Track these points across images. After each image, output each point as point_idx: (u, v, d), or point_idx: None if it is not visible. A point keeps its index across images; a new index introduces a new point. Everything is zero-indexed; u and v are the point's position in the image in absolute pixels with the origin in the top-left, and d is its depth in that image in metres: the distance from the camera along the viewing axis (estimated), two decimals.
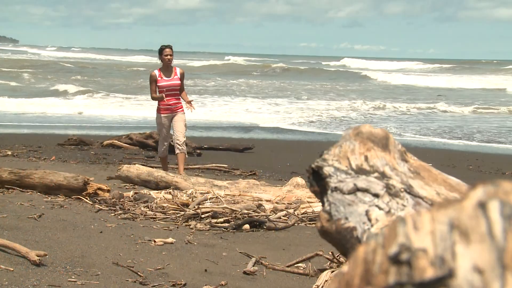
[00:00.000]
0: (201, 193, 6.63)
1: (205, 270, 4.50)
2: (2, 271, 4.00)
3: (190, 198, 6.46)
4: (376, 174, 1.46)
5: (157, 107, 8.57)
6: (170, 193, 6.58)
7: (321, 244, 4.87)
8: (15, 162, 8.93)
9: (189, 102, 8.39)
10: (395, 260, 0.73)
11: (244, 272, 4.51)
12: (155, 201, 6.35)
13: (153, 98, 8.55)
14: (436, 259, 0.70)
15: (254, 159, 10.66)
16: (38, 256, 4.16)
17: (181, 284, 4.15)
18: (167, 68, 8.49)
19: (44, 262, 4.20)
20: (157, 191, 6.73)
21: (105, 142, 11.39)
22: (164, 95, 8.33)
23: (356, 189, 1.43)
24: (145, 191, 6.78)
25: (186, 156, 8.55)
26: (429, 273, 0.70)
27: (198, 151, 11.15)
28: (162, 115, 8.44)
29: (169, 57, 8.46)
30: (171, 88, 8.41)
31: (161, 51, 8.56)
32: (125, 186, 7.45)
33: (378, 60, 78.79)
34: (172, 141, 8.58)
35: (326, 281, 3.52)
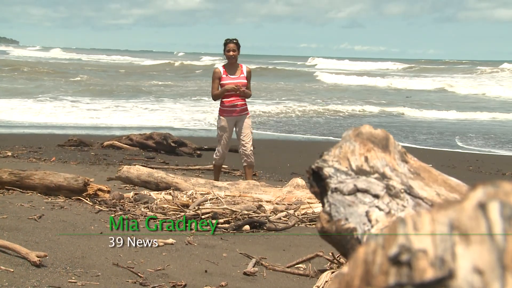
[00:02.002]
0: (201, 194, 6.63)
1: (205, 271, 4.50)
2: (2, 272, 4.00)
3: (190, 199, 6.46)
4: (376, 175, 1.46)
5: (220, 108, 7.66)
6: (170, 194, 6.58)
7: (322, 245, 4.87)
8: (15, 163, 8.93)
9: (237, 85, 7.42)
10: (395, 261, 0.73)
11: (244, 273, 4.51)
12: (155, 202, 6.35)
13: (216, 96, 7.60)
14: (436, 260, 0.70)
15: (254, 160, 10.65)
16: (38, 257, 4.16)
17: (181, 285, 4.15)
18: (231, 65, 7.58)
19: (44, 263, 4.20)
20: (157, 192, 6.72)
21: (105, 143, 11.39)
22: (234, 87, 7.43)
23: (356, 190, 1.43)
24: (145, 192, 6.78)
25: (253, 166, 7.82)
26: (429, 274, 0.70)
27: (198, 152, 11.16)
28: (225, 118, 7.54)
29: (232, 53, 7.51)
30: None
31: (224, 46, 7.61)
32: (125, 187, 7.45)
33: (354, 61, 78.69)
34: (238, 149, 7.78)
35: (326, 281, 3.52)
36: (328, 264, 4.43)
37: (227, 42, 7.60)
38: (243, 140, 7.61)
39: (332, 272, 3.70)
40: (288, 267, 4.68)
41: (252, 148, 7.63)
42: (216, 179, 7.67)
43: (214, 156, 7.77)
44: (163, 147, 11.11)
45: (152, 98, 22.94)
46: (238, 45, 7.61)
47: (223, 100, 7.60)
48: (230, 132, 7.62)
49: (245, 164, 7.68)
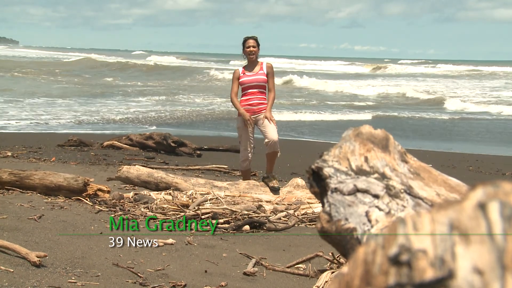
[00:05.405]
0: (201, 194, 6.63)
1: (205, 271, 4.50)
2: (2, 272, 4.00)
3: (190, 199, 6.46)
4: (376, 175, 1.46)
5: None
6: (170, 194, 6.58)
7: (321, 245, 4.87)
8: (15, 163, 8.93)
9: (268, 118, 7.03)
10: (395, 261, 0.73)
11: (244, 273, 4.51)
12: (155, 202, 6.35)
13: (232, 102, 7.31)
14: (436, 260, 0.70)
15: (254, 160, 10.63)
16: (38, 257, 4.16)
17: (181, 285, 4.15)
18: (251, 64, 7.21)
19: (44, 263, 4.20)
20: (157, 192, 6.72)
21: (105, 143, 11.39)
22: (247, 116, 7.03)
23: (356, 190, 1.43)
24: (145, 192, 6.78)
25: (279, 154, 7.16)
26: (429, 274, 0.70)
27: (198, 152, 11.16)
28: (241, 118, 7.16)
29: (251, 49, 7.14)
30: (254, 84, 7.14)
31: (243, 43, 7.24)
32: (125, 187, 7.45)
33: (309, 60, 77.87)
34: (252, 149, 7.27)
35: (326, 282, 3.51)
36: (328, 264, 4.43)
37: (246, 39, 7.24)
38: (267, 133, 7.02)
39: (332, 272, 3.70)
40: (288, 267, 4.68)
41: (277, 137, 7.01)
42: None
43: (240, 161, 7.38)
44: (163, 147, 11.11)
45: None
46: (257, 42, 7.26)
47: (240, 99, 7.29)
48: (250, 132, 7.16)
49: (268, 150, 7.10)
